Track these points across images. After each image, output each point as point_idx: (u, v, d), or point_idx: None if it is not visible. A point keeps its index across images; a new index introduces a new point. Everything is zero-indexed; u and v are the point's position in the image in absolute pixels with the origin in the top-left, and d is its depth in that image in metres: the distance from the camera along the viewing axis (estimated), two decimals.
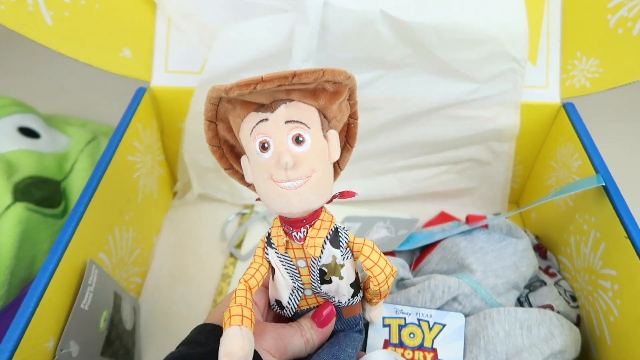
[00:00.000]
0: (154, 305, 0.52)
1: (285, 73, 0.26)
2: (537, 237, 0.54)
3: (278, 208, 0.28)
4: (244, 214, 0.60)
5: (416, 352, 0.37)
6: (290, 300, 0.32)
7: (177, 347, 0.30)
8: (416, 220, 0.54)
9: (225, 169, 0.31)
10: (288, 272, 0.31)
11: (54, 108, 0.68)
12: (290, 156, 0.27)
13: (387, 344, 0.37)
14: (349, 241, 0.30)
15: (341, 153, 0.31)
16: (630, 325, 0.37)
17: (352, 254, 0.31)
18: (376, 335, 0.38)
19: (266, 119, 0.28)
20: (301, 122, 0.28)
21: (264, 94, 0.27)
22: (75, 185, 0.54)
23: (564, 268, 0.49)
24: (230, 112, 0.29)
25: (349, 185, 0.59)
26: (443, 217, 0.59)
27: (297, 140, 0.27)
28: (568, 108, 0.50)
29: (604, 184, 0.41)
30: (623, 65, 0.49)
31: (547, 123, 0.53)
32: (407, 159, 0.56)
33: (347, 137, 0.31)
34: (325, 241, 0.29)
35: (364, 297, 0.34)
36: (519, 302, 0.45)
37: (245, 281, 0.30)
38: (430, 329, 0.37)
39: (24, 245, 0.46)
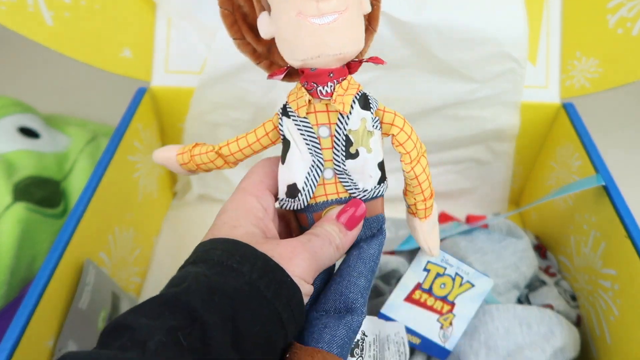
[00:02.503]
0: None
1: None
2: (537, 237, 0.54)
3: (308, 51, 0.25)
4: None
5: (438, 301, 0.36)
6: (307, 180, 0.27)
7: (195, 264, 0.25)
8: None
9: (235, 39, 0.28)
10: (307, 144, 0.27)
11: (54, 108, 0.68)
12: None
13: (418, 286, 0.36)
14: (378, 108, 0.27)
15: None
16: (631, 324, 0.37)
17: (381, 127, 0.28)
18: (413, 276, 0.36)
19: None
20: None
21: None
22: (75, 185, 0.54)
23: (564, 268, 0.49)
24: None
25: None
26: (443, 217, 0.59)
27: None
28: (568, 108, 0.50)
29: (604, 184, 0.41)
30: (623, 65, 0.49)
31: (547, 123, 0.53)
32: None
33: (370, 20, 0.29)
34: (354, 100, 0.26)
35: (408, 213, 0.31)
36: (519, 302, 0.45)
37: (220, 147, 0.29)
38: (461, 285, 0.37)
39: (24, 245, 0.46)
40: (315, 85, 0.26)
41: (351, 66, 0.27)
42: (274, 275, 0.24)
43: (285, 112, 0.28)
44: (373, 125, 0.27)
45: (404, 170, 0.29)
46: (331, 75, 0.26)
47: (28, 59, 0.84)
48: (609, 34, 0.48)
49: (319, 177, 0.27)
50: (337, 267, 0.30)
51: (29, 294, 0.33)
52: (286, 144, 0.28)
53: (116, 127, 0.47)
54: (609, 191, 0.41)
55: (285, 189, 0.28)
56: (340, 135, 0.27)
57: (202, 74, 0.50)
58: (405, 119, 0.28)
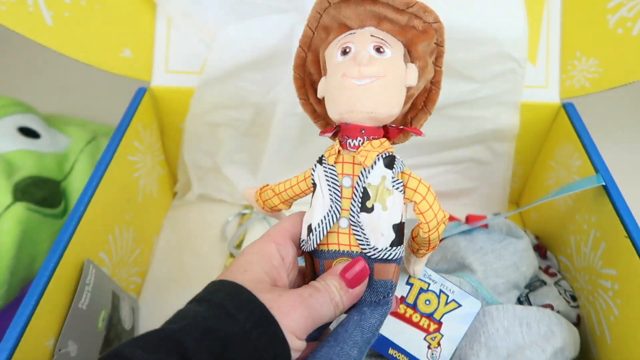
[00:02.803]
0: (154, 305, 0.52)
1: None
2: (537, 237, 0.54)
3: (344, 105, 0.28)
4: (244, 214, 0.60)
5: (424, 318, 0.37)
6: (322, 222, 0.29)
7: (199, 302, 0.26)
8: (416, 221, 0.54)
9: (300, 98, 0.33)
10: (330, 189, 0.29)
11: (54, 108, 0.68)
12: (367, 52, 0.28)
13: (402, 300, 0.36)
14: (403, 171, 0.29)
15: (417, 114, 0.32)
16: (631, 324, 0.37)
17: (405, 191, 0.28)
18: (396, 290, 0.37)
19: (354, 32, 0.29)
20: (385, 41, 0.29)
21: (356, 18, 0.30)
22: (75, 185, 0.54)
23: (564, 268, 0.49)
24: (322, 42, 0.31)
25: None
26: None
27: (378, 50, 0.28)
28: (568, 108, 0.50)
29: (603, 184, 0.41)
30: (623, 65, 0.49)
31: (547, 123, 0.53)
32: (407, 159, 0.56)
33: (426, 102, 0.32)
34: (379, 157, 0.28)
35: (409, 248, 0.32)
36: (519, 302, 0.45)
37: (272, 188, 0.33)
38: (446, 303, 0.37)
39: (24, 245, 0.46)
40: (347, 137, 0.29)
41: (389, 132, 0.30)
42: (268, 328, 0.25)
43: (320, 160, 0.30)
44: (393, 185, 0.28)
45: (420, 235, 0.30)
46: (363, 132, 0.28)
47: (28, 59, 0.85)
48: (609, 34, 0.48)
49: (334, 222, 0.29)
50: (335, 322, 0.30)
51: (29, 294, 0.33)
52: (314, 188, 0.30)
53: (116, 127, 0.47)
54: (609, 191, 0.41)
55: (306, 230, 0.30)
56: (359, 186, 0.28)
57: (202, 74, 0.50)
58: (430, 187, 0.29)
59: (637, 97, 0.78)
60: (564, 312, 0.43)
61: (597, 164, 0.44)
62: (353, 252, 0.29)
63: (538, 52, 0.51)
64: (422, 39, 0.29)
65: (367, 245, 0.28)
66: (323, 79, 0.31)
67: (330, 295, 0.27)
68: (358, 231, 0.28)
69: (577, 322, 0.44)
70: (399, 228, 0.28)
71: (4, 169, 0.48)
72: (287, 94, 0.49)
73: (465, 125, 0.53)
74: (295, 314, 0.26)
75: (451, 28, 0.46)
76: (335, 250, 0.29)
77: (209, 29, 0.50)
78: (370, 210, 0.28)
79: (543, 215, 0.55)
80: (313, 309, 0.27)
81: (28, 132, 0.54)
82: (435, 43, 0.30)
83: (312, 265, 0.31)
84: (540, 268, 0.49)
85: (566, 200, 0.48)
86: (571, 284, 0.47)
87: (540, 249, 0.51)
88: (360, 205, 0.28)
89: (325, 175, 0.29)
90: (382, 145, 0.29)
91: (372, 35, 0.29)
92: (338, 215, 0.29)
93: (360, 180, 0.28)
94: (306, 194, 0.32)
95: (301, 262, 0.32)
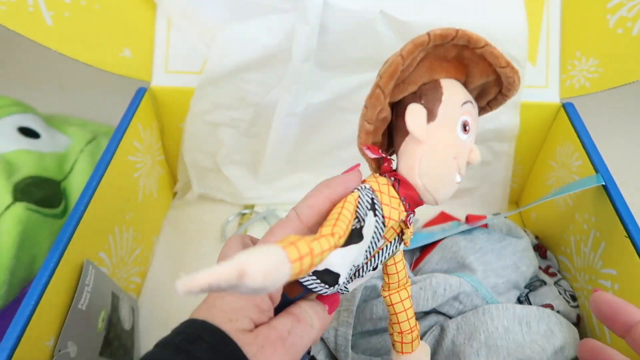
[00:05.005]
0: (154, 305, 0.52)
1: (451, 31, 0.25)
2: (537, 237, 0.54)
3: (441, 194, 0.28)
4: (244, 214, 0.60)
5: None
6: (346, 278, 0.26)
7: (177, 351, 0.23)
8: (416, 221, 0.54)
9: (368, 123, 0.26)
10: (367, 251, 0.26)
11: (54, 108, 0.68)
12: (480, 157, 0.28)
13: None
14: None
15: None
16: None
17: None
18: None
19: (470, 102, 0.27)
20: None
21: (449, 68, 0.27)
22: (75, 185, 0.54)
23: (564, 268, 0.49)
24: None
25: None
26: (443, 217, 0.59)
27: (465, 128, 0.27)
28: (568, 108, 0.50)
29: (603, 184, 0.41)
30: (622, 65, 0.49)
31: (547, 123, 0.53)
32: None
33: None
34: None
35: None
36: (519, 302, 0.45)
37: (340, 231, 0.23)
38: None
39: (24, 245, 0.46)
40: (411, 215, 0.27)
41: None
42: None
43: (374, 208, 0.25)
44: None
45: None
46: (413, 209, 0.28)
47: (28, 59, 0.84)
48: (609, 34, 0.48)
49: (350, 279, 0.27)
50: None
51: (29, 294, 0.33)
52: (358, 234, 0.24)
53: (116, 127, 0.47)
54: (609, 191, 0.41)
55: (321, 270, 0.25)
56: (381, 258, 0.27)
57: (202, 74, 0.50)
58: None
59: (637, 97, 0.78)
60: (564, 312, 0.43)
61: (597, 163, 0.44)
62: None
63: (538, 52, 0.51)
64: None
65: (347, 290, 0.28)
66: (419, 107, 0.26)
67: (309, 322, 0.26)
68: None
69: (577, 322, 0.44)
70: None
71: (4, 169, 0.48)
72: (287, 94, 0.49)
73: None
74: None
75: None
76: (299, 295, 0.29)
77: (209, 29, 0.50)
78: (373, 269, 0.28)
79: (543, 215, 0.55)
80: (294, 348, 0.25)
81: (28, 132, 0.54)
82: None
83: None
84: (540, 268, 0.49)
85: (566, 200, 0.48)
86: (571, 284, 0.47)
87: (540, 249, 0.51)
88: (372, 269, 0.28)
89: (373, 236, 0.25)
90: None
91: (464, 104, 0.27)
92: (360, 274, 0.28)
93: (387, 253, 0.28)
94: None
95: None
